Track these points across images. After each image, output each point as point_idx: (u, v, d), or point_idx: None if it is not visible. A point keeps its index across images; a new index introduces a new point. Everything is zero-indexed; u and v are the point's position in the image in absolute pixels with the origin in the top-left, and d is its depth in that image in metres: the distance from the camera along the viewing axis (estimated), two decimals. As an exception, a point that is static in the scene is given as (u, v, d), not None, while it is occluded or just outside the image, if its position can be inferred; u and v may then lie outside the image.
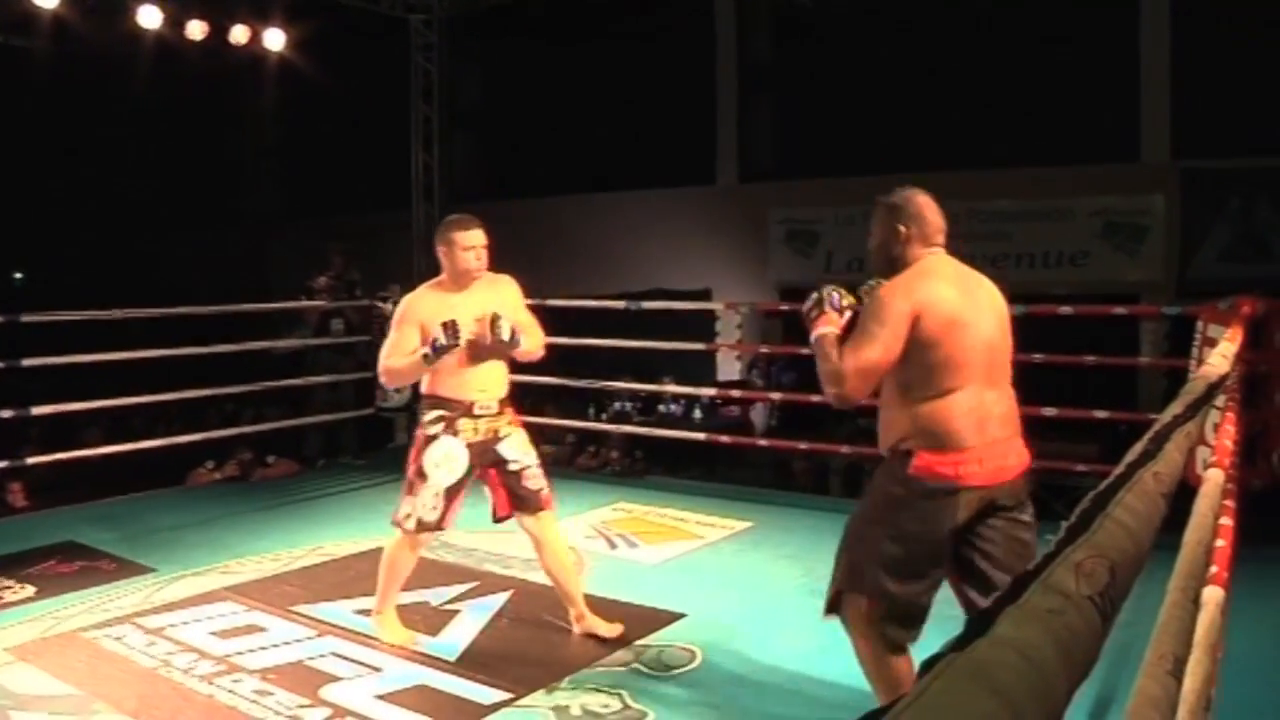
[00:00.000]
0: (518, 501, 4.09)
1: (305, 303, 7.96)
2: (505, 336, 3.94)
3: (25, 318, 6.14)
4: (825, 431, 8.13)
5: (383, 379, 4.14)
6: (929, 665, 0.66)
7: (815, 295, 3.04)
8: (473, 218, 4.10)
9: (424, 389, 4.09)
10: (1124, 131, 9.77)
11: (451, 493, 3.97)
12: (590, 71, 12.54)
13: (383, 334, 7.76)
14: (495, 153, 14.19)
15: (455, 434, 3.97)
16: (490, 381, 4.06)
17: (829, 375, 2.86)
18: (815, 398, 7.34)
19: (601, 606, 4.48)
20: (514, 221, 12.34)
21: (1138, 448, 1.39)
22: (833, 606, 3.01)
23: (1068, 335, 5.95)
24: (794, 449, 7.76)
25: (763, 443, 8.28)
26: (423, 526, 3.98)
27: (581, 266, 11.74)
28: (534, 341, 4.12)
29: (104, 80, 11.95)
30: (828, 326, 2.95)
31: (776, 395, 9.07)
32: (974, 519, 2.85)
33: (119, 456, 6.59)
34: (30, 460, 6.20)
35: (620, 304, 6.86)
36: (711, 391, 9.04)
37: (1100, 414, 5.59)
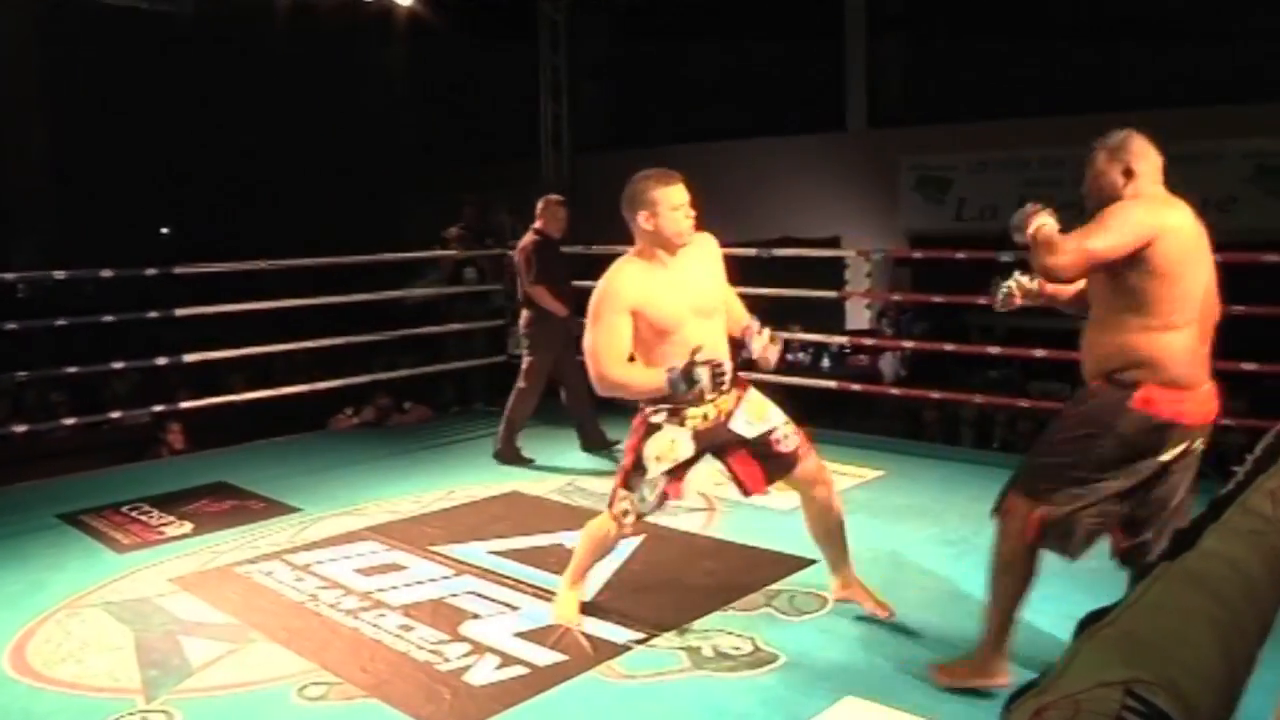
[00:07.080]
0: (774, 469, 3.57)
1: (438, 252, 8.11)
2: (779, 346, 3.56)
3: (177, 269, 6.45)
4: (956, 382, 7.99)
5: (599, 387, 3.37)
6: (1144, 572, 0.67)
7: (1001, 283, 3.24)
8: (667, 170, 3.49)
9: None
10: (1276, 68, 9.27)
11: (672, 477, 3.49)
12: (715, 17, 12.39)
13: (514, 283, 8.01)
14: (623, 101, 14.16)
15: (681, 424, 3.43)
16: (718, 355, 3.35)
17: (1044, 243, 2.77)
18: (948, 346, 7.25)
19: (732, 552, 4.53)
20: (641, 170, 12.40)
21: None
22: (1000, 506, 3.01)
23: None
24: (926, 398, 7.61)
25: (895, 391, 8.17)
26: (639, 518, 3.55)
27: (709, 214, 11.58)
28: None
29: (242, 39, 12.32)
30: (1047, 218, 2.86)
31: (909, 344, 8.94)
32: (1173, 459, 2.86)
33: (264, 402, 6.86)
34: (184, 405, 6.51)
35: (750, 251, 6.80)
36: (842, 340, 8.93)
37: (1249, 366, 5.34)
